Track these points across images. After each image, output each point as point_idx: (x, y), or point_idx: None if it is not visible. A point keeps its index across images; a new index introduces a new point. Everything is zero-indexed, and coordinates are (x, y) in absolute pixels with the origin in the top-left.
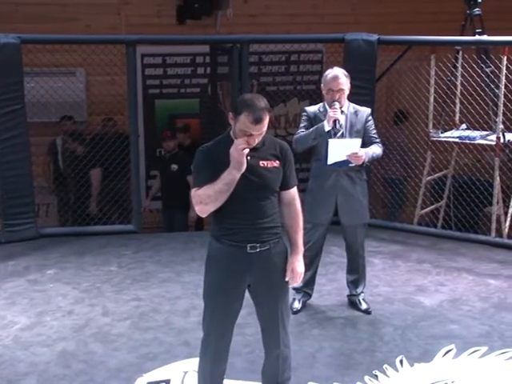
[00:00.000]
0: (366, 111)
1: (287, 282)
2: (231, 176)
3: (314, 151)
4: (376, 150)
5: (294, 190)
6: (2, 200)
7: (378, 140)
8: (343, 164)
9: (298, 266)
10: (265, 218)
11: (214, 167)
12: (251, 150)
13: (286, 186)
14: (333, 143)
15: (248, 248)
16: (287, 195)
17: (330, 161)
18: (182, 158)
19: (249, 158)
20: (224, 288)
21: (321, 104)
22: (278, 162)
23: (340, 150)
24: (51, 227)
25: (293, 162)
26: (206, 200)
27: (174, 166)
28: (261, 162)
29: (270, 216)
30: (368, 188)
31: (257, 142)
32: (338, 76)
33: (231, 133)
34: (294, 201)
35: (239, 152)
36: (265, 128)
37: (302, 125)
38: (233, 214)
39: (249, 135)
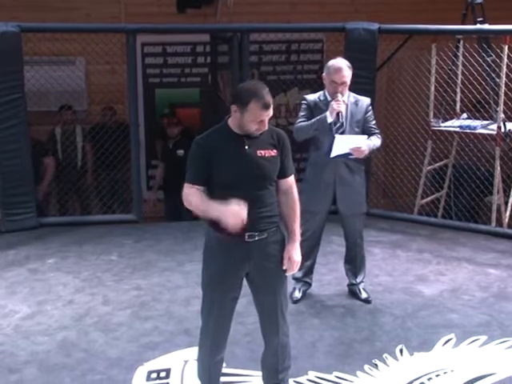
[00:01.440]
0: (366, 101)
1: (285, 271)
2: (208, 209)
3: (313, 140)
4: (376, 141)
5: (291, 179)
6: (2, 189)
7: (377, 131)
8: (345, 156)
9: (295, 254)
10: (263, 207)
11: (209, 158)
12: (248, 139)
13: (283, 174)
14: (339, 139)
15: (246, 237)
16: (284, 184)
17: (334, 154)
18: (186, 143)
19: (247, 147)
20: (222, 277)
21: (321, 92)
22: (275, 150)
23: (345, 144)
24: (51, 217)
25: (290, 150)
26: (190, 207)
27: (181, 152)
28: (258, 152)
29: (269, 205)
30: (368, 177)
31: (267, 125)
32: (343, 68)
33: (229, 122)
34: (291, 189)
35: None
36: (272, 111)
37: (301, 113)
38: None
39: (260, 121)
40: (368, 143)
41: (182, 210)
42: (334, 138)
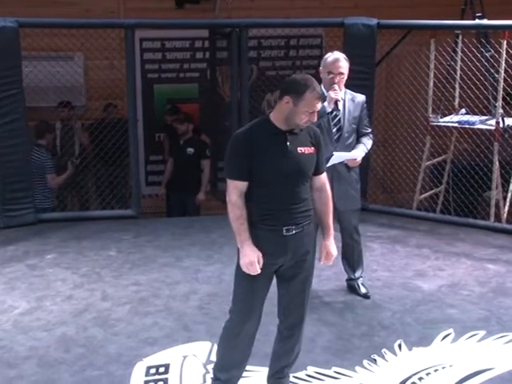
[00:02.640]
0: (361, 98)
1: (314, 263)
2: (239, 236)
3: None
4: (368, 144)
5: (324, 176)
6: (1, 185)
7: (369, 130)
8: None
9: (332, 248)
10: (300, 203)
11: (250, 152)
12: (291, 135)
13: (317, 171)
14: (336, 155)
15: (284, 231)
16: (319, 180)
17: (329, 164)
18: (197, 142)
19: (288, 143)
20: (261, 272)
21: None
22: (313, 148)
23: (342, 158)
24: (50, 212)
25: (323, 147)
26: (229, 212)
27: (191, 150)
28: (299, 149)
29: (304, 200)
30: (367, 173)
31: (316, 118)
32: (339, 59)
33: (271, 117)
34: (324, 186)
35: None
36: None
37: None
38: (269, 199)
39: (311, 113)
40: (363, 150)
41: (187, 207)
42: (331, 132)
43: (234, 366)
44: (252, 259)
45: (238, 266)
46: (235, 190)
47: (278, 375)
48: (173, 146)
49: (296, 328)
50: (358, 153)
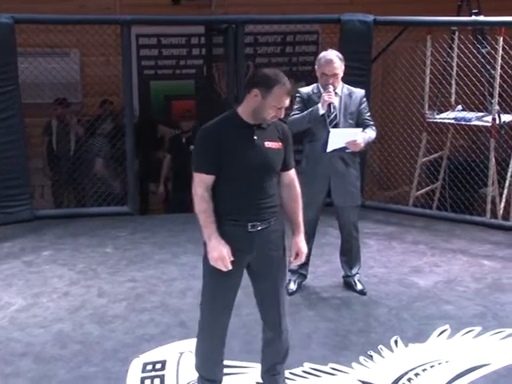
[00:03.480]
0: (360, 93)
1: (285, 260)
2: (206, 229)
3: (308, 133)
4: (371, 134)
5: (293, 172)
6: None
7: (371, 123)
8: (341, 150)
9: (302, 245)
10: (266, 198)
11: (218, 146)
12: (258, 129)
13: (286, 167)
14: (334, 133)
15: (249, 227)
16: (287, 176)
17: (330, 148)
18: None
19: (255, 137)
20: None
21: (314, 85)
22: (280, 143)
23: (340, 138)
24: (46, 209)
25: (292, 143)
26: (195, 206)
27: (193, 147)
28: (266, 143)
29: (271, 196)
30: (363, 170)
31: (283, 113)
32: (333, 60)
33: (239, 111)
34: (293, 182)
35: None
36: None
37: (295, 106)
38: (236, 194)
39: (279, 108)
40: (363, 136)
41: (189, 203)
42: (328, 131)
43: (213, 363)
44: (222, 254)
45: (206, 262)
46: (201, 183)
47: (271, 372)
48: (173, 143)
49: (276, 328)
50: (357, 130)
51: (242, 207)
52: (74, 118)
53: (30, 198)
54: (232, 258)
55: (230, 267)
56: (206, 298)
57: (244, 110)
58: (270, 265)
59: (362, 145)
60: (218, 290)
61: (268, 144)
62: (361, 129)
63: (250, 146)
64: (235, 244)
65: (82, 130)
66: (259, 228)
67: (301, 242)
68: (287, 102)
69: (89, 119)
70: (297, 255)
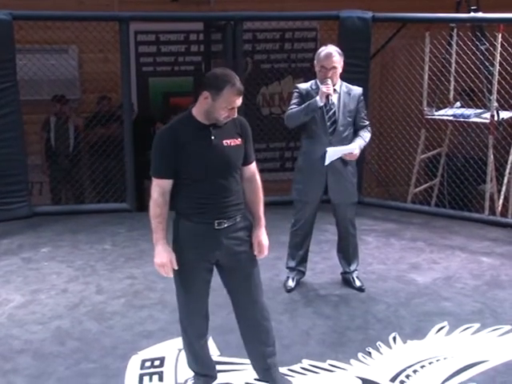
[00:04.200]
0: (358, 90)
1: (255, 256)
2: (155, 234)
3: (305, 128)
4: (366, 137)
5: (253, 166)
6: None
7: (367, 122)
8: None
9: (263, 239)
10: (231, 196)
11: (175, 149)
12: (214, 129)
13: (246, 161)
14: (330, 150)
15: (215, 224)
16: (248, 171)
17: (327, 162)
18: None
19: (213, 137)
20: (194, 264)
21: (312, 81)
22: (239, 139)
23: (337, 153)
24: (45, 205)
25: (251, 137)
26: (151, 209)
27: None
28: (224, 141)
29: (235, 193)
30: (362, 166)
31: (236, 113)
32: (332, 54)
33: (193, 112)
34: (254, 176)
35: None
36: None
37: (293, 101)
38: (200, 194)
39: (231, 109)
40: (359, 144)
41: None
42: (325, 125)
43: (201, 358)
44: (164, 260)
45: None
46: (157, 187)
47: (262, 367)
48: None
49: (250, 323)
50: (353, 146)
51: (207, 206)
52: (72, 114)
53: (29, 195)
54: (176, 267)
55: (171, 275)
56: (179, 295)
57: (198, 112)
58: (240, 261)
59: (358, 153)
60: (188, 286)
61: (227, 142)
62: (356, 144)
63: (208, 146)
64: (203, 242)
65: (81, 121)
66: (226, 225)
67: (262, 235)
68: (238, 102)
69: (87, 116)
70: (258, 248)
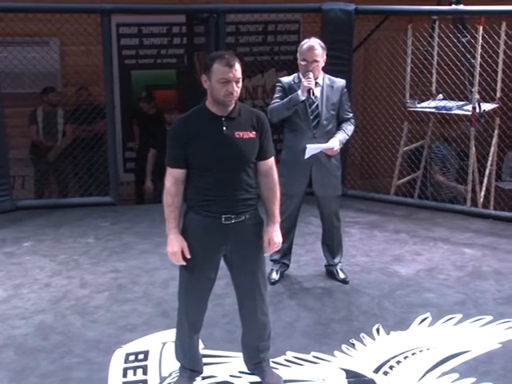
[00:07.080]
0: (341, 83)
1: (262, 252)
2: (168, 223)
3: (289, 122)
4: (349, 130)
5: (271, 161)
6: None
7: (350, 115)
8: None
9: (275, 236)
10: (240, 190)
11: (187, 139)
12: (227, 120)
13: (262, 156)
14: (310, 148)
15: (223, 219)
16: (264, 166)
17: (307, 156)
18: None
19: (224, 128)
20: (199, 259)
21: (295, 75)
22: (254, 132)
23: (317, 148)
24: (28, 199)
25: (270, 131)
26: (164, 198)
27: None
28: (236, 133)
29: (245, 187)
30: (345, 159)
31: (238, 91)
32: (314, 47)
33: (206, 103)
34: (271, 171)
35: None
36: (240, 76)
37: (276, 95)
38: (208, 186)
39: (226, 82)
40: (340, 138)
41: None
42: (309, 119)
43: (191, 352)
44: (176, 249)
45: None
46: (170, 176)
47: (254, 361)
48: (160, 137)
49: (252, 317)
50: (333, 143)
51: (215, 199)
52: (59, 108)
53: (11, 189)
54: (188, 256)
55: (183, 263)
56: (180, 288)
57: (209, 101)
58: (246, 258)
59: (339, 148)
60: (190, 280)
61: (239, 134)
62: (336, 140)
63: (219, 137)
64: (209, 235)
65: (71, 129)
66: (233, 221)
67: (274, 231)
68: (231, 74)
69: (69, 109)
70: (269, 245)
